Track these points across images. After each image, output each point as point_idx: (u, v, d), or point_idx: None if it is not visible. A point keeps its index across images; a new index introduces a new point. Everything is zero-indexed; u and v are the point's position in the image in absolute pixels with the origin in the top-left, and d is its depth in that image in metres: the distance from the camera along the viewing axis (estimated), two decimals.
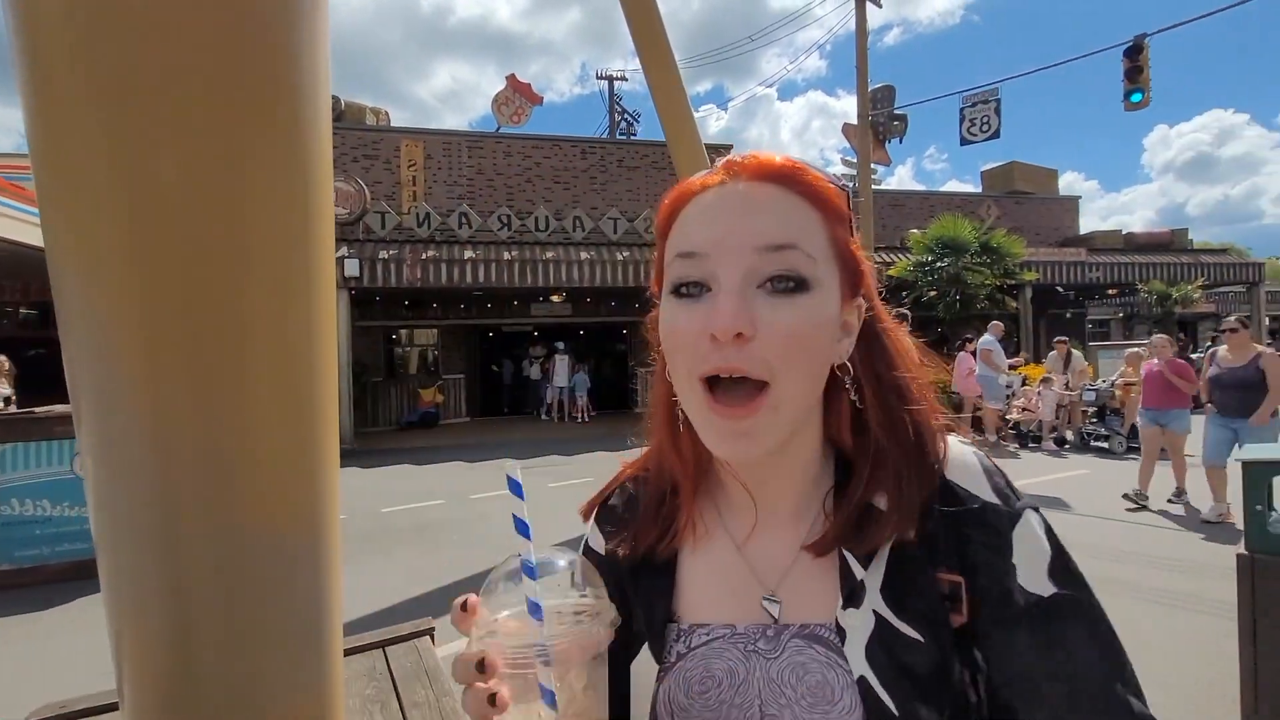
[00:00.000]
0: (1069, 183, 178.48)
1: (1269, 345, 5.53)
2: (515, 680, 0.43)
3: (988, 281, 12.58)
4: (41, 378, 6.20)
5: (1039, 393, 8.70)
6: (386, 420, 13.54)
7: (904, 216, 16.17)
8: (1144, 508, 5.33)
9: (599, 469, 3.86)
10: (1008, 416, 9.09)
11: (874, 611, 0.47)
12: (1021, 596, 0.45)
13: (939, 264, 12.77)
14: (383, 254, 11.33)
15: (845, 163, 13.97)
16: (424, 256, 11.48)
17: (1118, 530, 4.91)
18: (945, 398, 6.39)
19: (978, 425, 9.37)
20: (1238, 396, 4.73)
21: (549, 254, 12.25)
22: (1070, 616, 0.44)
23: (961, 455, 0.51)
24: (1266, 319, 18.75)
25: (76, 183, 0.61)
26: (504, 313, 14.57)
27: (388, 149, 12.63)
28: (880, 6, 12.24)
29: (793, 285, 0.45)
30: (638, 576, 0.57)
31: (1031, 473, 7.08)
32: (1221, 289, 19.99)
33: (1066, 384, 8.84)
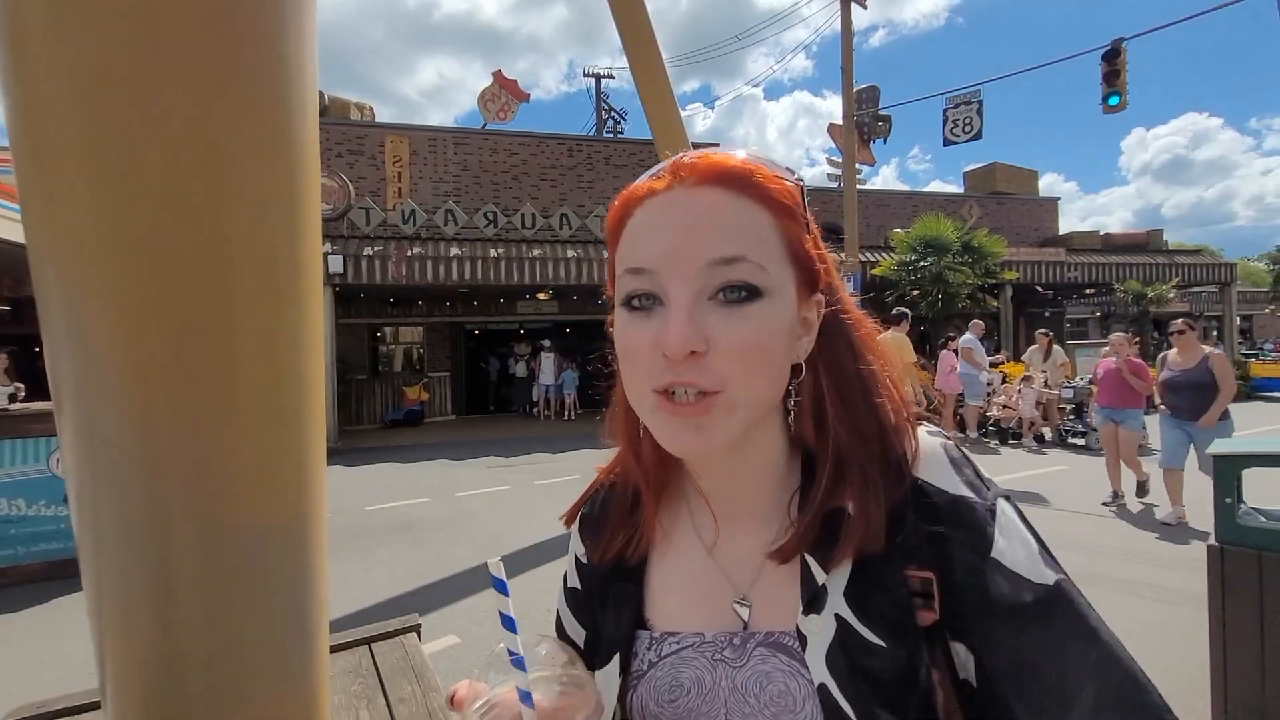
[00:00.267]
0: (1049, 184, 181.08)
1: (1219, 345, 5.63)
2: None
3: (969, 280, 12.75)
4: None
5: (1020, 390, 8.83)
6: (371, 418, 13.42)
7: (888, 216, 16.31)
8: (1122, 505, 5.43)
9: (586, 466, 3.87)
10: (988, 414, 9.22)
11: (836, 615, 0.46)
12: (1011, 588, 0.43)
13: (922, 263, 12.92)
14: (367, 251, 11.21)
15: (831, 162, 14.06)
16: (409, 253, 11.38)
17: (1094, 524, 5.02)
18: (921, 392, 6.47)
19: (960, 422, 9.52)
20: (1189, 398, 4.76)
21: (535, 251, 12.20)
22: (1067, 604, 0.43)
23: (931, 449, 0.49)
24: (1238, 318, 19.20)
25: (58, 176, 0.61)
26: (490, 310, 14.49)
27: (372, 145, 12.49)
28: (865, 8, 12.32)
29: (745, 295, 0.43)
30: (609, 583, 0.57)
31: (1012, 468, 7.20)
32: (1195, 289, 20.41)
33: (1045, 381, 8.98)
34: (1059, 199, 19.18)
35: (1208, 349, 4.86)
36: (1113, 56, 9.39)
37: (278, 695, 0.76)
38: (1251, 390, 13.52)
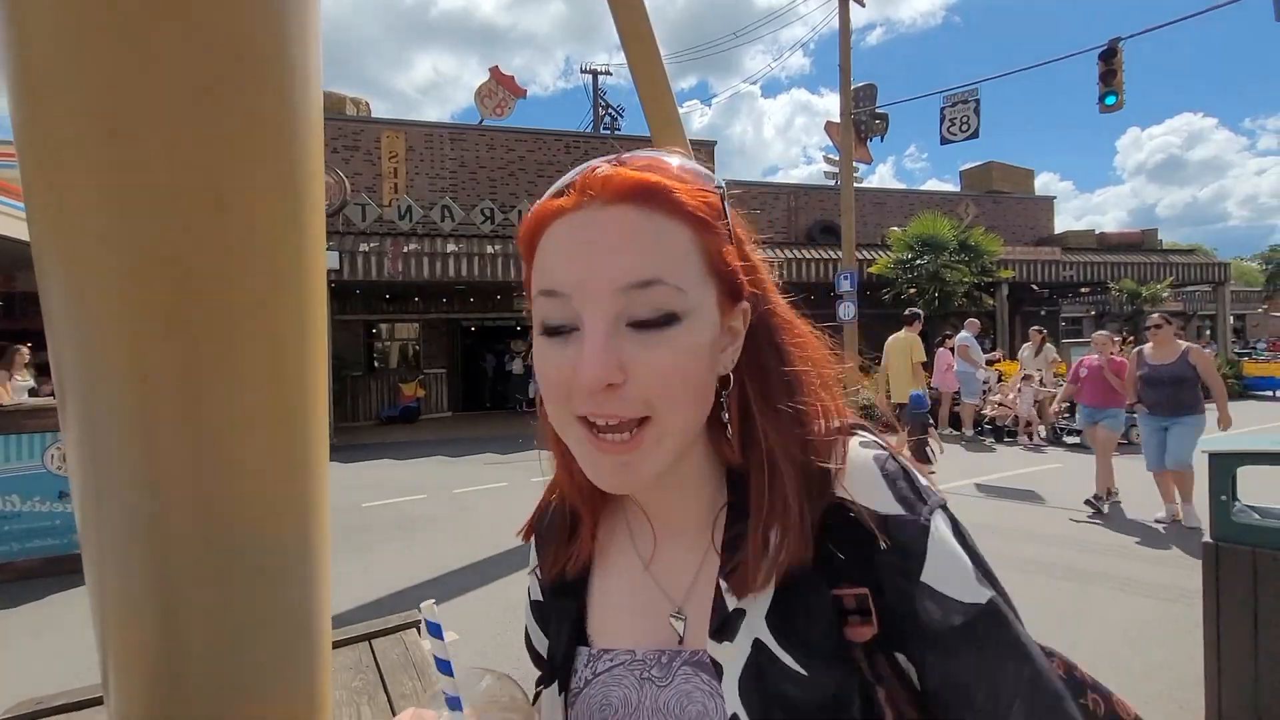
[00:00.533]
0: (1045, 183, 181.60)
1: (1197, 341, 5.64)
2: None
3: (966, 279, 12.79)
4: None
5: (1018, 389, 8.87)
6: (367, 415, 13.39)
7: (885, 214, 16.34)
8: (1116, 502, 5.45)
9: None
10: (984, 412, 9.26)
11: (755, 640, 0.44)
12: (941, 613, 0.42)
13: (918, 261, 12.95)
14: (363, 247, 11.17)
15: (828, 160, 14.12)
16: (405, 249, 11.34)
17: (1088, 522, 5.05)
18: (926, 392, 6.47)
19: (955, 420, 9.57)
20: (1169, 393, 4.74)
21: None
22: (998, 624, 0.43)
23: (861, 462, 0.46)
24: (1231, 318, 19.30)
25: (63, 173, 0.60)
26: (486, 307, 14.45)
27: (368, 140, 12.44)
28: (863, 6, 12.32)
29: (662, 320, 0.41)
30: (551, 599, 0.56)
31: (1007, 466, 7.24)
32: (1189, 288, 20.53)
33: (1040, 379, 9.02)
34: (1055, 198, 19.26)
35: (1184, 344, 4.86)
36: (1109, 56, 9.41)
37: (280, 691, 0.76)
38: (1244, 389, 13.62)
